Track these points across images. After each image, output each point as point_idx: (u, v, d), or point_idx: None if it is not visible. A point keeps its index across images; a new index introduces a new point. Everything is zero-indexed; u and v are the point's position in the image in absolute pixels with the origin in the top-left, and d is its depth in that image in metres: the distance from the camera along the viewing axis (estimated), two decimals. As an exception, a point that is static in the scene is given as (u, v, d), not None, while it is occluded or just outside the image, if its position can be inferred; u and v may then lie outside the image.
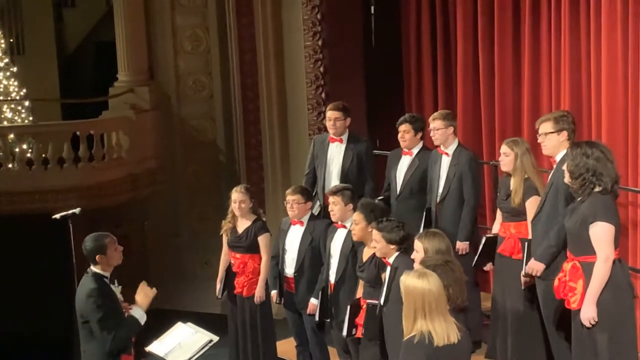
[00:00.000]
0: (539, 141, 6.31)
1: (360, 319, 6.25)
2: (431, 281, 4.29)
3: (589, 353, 5.51)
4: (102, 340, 5.36)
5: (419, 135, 7.65)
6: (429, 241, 5.30)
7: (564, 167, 5.67)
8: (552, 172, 6.26)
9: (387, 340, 5.94)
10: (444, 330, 4.27)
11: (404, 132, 7.62)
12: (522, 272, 6.43)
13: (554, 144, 6.17)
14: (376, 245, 6.00)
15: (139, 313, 5.49)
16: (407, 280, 4.34)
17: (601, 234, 5.42)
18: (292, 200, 7.15)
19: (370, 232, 6.09)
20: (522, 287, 6.53)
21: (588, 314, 5.45)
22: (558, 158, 6.18)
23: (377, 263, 6.17)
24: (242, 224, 7.44)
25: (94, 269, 5.51)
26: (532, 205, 6.51)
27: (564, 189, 5.97)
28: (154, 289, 5.56)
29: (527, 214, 6.57)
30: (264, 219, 7.55)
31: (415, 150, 7.67)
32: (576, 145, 5.63)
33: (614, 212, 5.51)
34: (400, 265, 5.74)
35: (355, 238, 6.43)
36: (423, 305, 4.26)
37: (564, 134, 6.15)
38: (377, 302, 6.04)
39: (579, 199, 5.59)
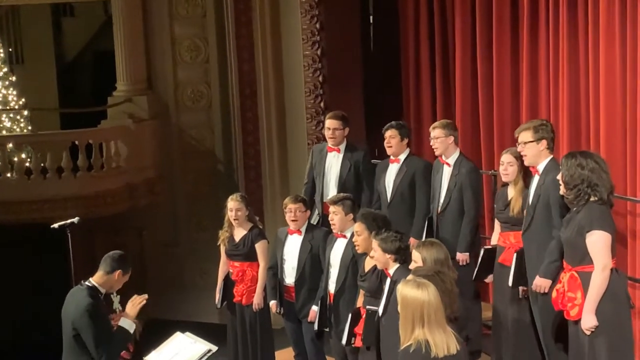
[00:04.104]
0: (518, 150, 6.35)
1: (359, 328, 6.24)
2: (430, 292, 4.27)
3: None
4: (96, 354, 5.36)
5: (406, 141, 7.66)
6: (427, 251, 5.29)
7: (558, 177, 5.67)
8: (536, 183, 6.25)
9: (382, 350, 5.93)
10: (444, 341, 4.25)
11: (390, 137, 7.63)
12: (510, 282, 6.44)
13: (534, 153, 6.20)
14: (374, 254, 5.99)
15: (127, 323, 5.49)
16: (405, 290, 4.31)
17: (598, 242, 5.42)
18: (294, 209, 7.15)
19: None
20: (520, 296, 6.53)
21: (588, 323, 5.45)
22: (540, 168, 6.21)
23: (379, 273, 6.15)
24: (239, 232, 7.44)
25: (93, 282, 5.50)
26: None
27: (555, 200, 5.99)
28: (144, 295, 5.57)
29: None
30: (260, 227, 7.55)
31: (402, 157, 7.67)
32: (570, 156, 5.64)
33: (610, 222, 5.52)
34: (399, 279, 5.72)
35: (359, 250, 6.37)
36: (422, 315, 4.24)
37: (543, 142, 6.18)
38: (376, 308, 6.03)
39: (574, 209, 5.59)
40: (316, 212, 7.94)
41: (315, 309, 7.00)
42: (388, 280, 5.95)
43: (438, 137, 7.35)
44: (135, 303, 5.54)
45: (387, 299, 5.85)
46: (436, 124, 7.51)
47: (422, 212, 7.55)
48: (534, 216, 6.21)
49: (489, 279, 6.99)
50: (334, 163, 7.99)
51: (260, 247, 7.37)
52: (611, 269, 5.47)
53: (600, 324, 5.42)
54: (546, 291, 6.11)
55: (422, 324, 4.24)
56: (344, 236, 6.78)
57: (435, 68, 9.51)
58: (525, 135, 6.23)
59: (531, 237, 6.27)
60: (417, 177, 7.59)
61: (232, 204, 7.39)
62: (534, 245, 6.25)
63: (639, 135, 7.37)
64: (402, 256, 5.85)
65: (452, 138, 7.36)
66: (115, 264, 5.54)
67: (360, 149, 8.12)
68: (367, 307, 6.11)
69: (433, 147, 7.41)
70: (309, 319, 7.07)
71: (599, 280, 5.42)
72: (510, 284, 6.52)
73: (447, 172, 7.37)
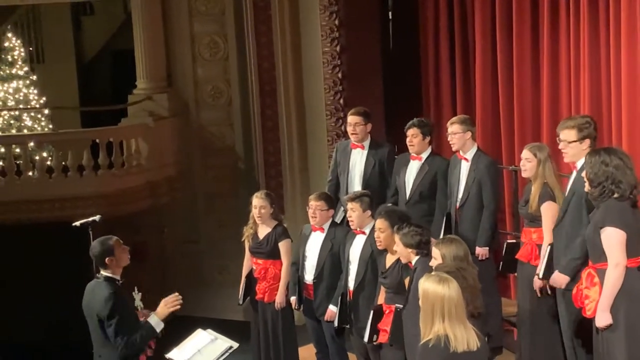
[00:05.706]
0: (559, 147, 6.22)
1: (382, 325, 6.24)
2: (451, 287, 4.28)
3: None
4: (115, 344, 5.39)
5: (428, 139, 7.61)
6: (447, 248, 5.29)
7: (583, 175, 5.63)
8: (573, 179, 6.19)
9: (405, 341, 5.93)
10: (464, 337, 4.25)
11: (412, 136, 7.59)
12: (540, 274, 6.37)
13: (576, 152, 6.07)
14: (396, 248, 5.99)
15: (154, 320, 5.50)
16: (426, 284, 4.33)
17: (610, 239, 5.37)
18: (315, 206, 7.14)
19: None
20: (538, 295, 6.47)
21: (601, 320, 5.40)
22: (579, 165, 6.10)
23: (401, 269, 6.15)
24: (263, 230, 7.43)
25: (104, 273, 5.54)
26: (546, 209, 6.47)
27: (587, 198, 5.92)
28: (179, 300, 5.55)
29: (542, 219, 6.52)
30: (285, 225, 7.54)
31: (424, 155, 7.62)
32: (594, 153, 5.57)
33: (627, 218, 5.42)
34: (420, 267, 5.73)
35: (380, 246, 6.37)
36: (442, 309, 4.25)
37: (587, 142, 6.06)
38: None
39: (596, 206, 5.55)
40: (341, 209, 7.91)
41: (333, 308, 6.99)
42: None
43: (456, 132, 7.32)
44: (169, 304, 5.53)
45: (409, 289, 5.86)
46: (454, 119, 7.49)
47: (441, 212, 7.53)
48: (567, 211, 6.14)
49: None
50: (358, 160, 7.95)
51: (283, 246, 7.35)
52: (631, 268, 5.39)
53: (615, 321, 5.36)
54: (562, 287, 6.07)
55: (442, 319, 4.25)
56: (363, 232, 6.78)
57: (455, 64, 9.48)
58: (569, 134, 6.07)
59: (561, 232, 6.19)
60: (438, 177, 7.55)
61: (256, 201, 7.37)
62: (563, 240, 6.16)
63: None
64: (424, 250, 5.86)
65: (469, 133, 7.33)
66: (99, 259, 5.53)
67: (384, 146, 8.08)
68: (396, 305, 6.10)
69: (450, 142, 7.38)
70: (326, 318, 7.07)
71: (611, 277, 5.35)
72: (540, 275, 6.42)
73: (465, 167, 7.34)
